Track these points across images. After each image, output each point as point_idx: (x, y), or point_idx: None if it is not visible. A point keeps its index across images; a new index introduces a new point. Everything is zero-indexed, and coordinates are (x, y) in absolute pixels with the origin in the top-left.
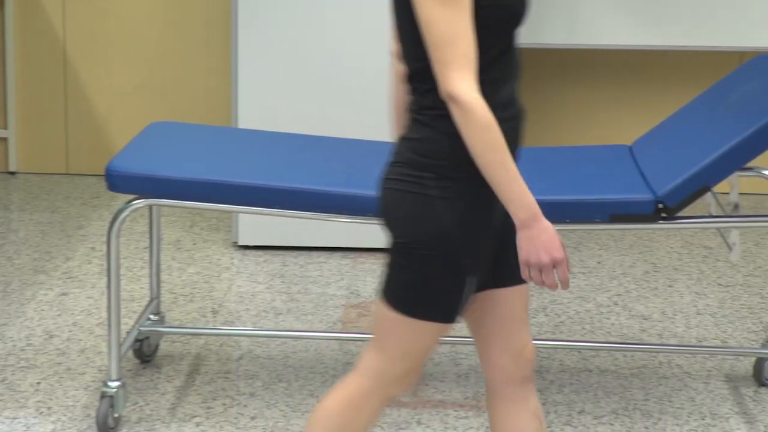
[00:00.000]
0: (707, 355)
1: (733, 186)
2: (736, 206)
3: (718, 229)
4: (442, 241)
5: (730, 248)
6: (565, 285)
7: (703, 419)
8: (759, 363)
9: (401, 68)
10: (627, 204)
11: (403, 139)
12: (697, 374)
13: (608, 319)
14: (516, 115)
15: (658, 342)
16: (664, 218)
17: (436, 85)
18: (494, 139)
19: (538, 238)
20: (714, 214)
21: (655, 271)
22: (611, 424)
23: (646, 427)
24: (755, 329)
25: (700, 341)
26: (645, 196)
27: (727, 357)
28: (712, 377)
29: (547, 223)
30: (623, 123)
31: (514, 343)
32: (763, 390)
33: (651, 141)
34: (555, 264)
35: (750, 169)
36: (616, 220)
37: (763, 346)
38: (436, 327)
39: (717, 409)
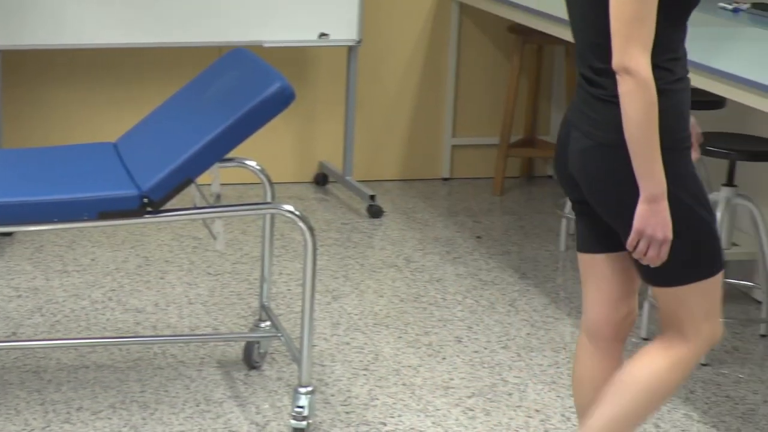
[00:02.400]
0: (200, 343)
1: (214, 177)
2: (218, 197)
3: (203, 219)
4: (695, 197)
5: (215, 238)
6: (658, 263)
7: (198, 406)
8: (248, 347)
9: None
10: (113, 200)
11: (597, 121)
12: (191, 362)
13: (103, 314)
14: (689, 86)
15: (153, 334)
16: (150, 212)
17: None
18: (654, 117)
19: (660, 214)
20: (198, 205)
21: (147, 265)
22: (109, 419)
23: (144, 419)
24: (244, 314)
25: (193, 330)
26: (130, 191)
27: (218, 343)
28: (206, 364)
29: (666, 203)
30: (110, 121)
31: None
32: (253, 373)
33: (135, 136)
34: (664, 241)
35: (231, 160)
36: (104, 217)
37: (252, 330)
38: (721, 274)
39: (211, 395)
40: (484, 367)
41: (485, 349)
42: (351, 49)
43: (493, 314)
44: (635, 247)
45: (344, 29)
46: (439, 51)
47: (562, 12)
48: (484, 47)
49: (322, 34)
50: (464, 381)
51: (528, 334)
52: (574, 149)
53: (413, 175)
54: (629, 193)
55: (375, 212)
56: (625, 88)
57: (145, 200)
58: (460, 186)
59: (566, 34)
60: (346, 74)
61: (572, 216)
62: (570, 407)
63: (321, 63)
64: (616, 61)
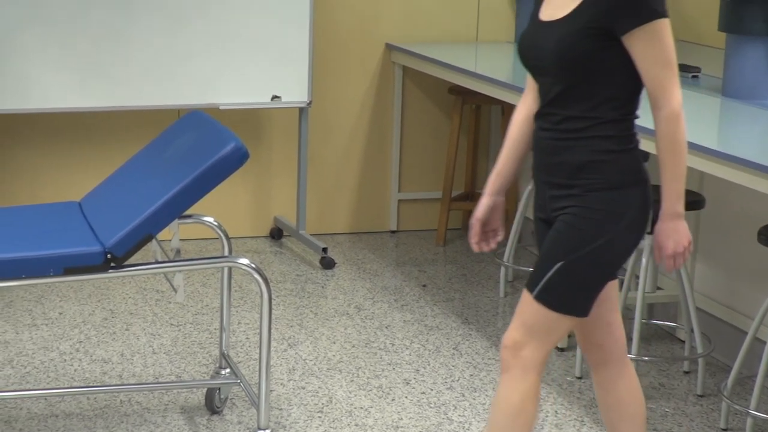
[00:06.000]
0: (164, 391)
1: (174, 233)
2: (178, 251)
3: (164, 273)
4: None
5: (176, 290)
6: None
7: None
8: (210, 393)
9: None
10: (78, 257)
11: None
12: (156, 409)
13: (71, 365)
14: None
15: (119, 382)
16: (113, 267)
17: None
18: None
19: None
20: (159, 260)
21: (113, 317)
22: None
23: None
24: (206, 362)
25: (157, 378)
26: (94, 248)
27: (181, 390)
28: (170, 410)
29: None
30: (75, 180)
31: None
32: (215, 418)
33: (98, 195)
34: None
35: (190, 216)
36: (70, 273)
37: (213, 377)
38: None
39: None
40: (430, 407)
41: (431, 390)
42: (302, 110)
43: (439, 357)
44: None
45: (295, 91)
46: (384, 111)
47: (499, 74)
48: (426, 107)
49: (275, 97)
50: (413, 420)
51: (471, 375)
52: None
53: (362, 228)
54: None
55: (327, 264)
56: None
57: (109, 256)
58: (406, 238)
59: (502, 95)
60: (298, 133)
61: (510, 264)
62: None
63: (274, 123)
64: None
